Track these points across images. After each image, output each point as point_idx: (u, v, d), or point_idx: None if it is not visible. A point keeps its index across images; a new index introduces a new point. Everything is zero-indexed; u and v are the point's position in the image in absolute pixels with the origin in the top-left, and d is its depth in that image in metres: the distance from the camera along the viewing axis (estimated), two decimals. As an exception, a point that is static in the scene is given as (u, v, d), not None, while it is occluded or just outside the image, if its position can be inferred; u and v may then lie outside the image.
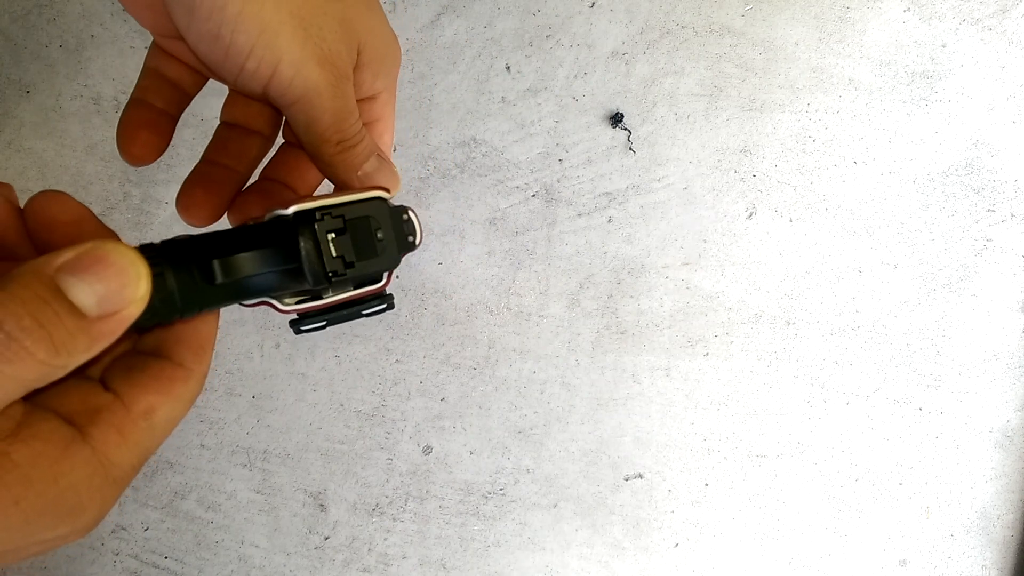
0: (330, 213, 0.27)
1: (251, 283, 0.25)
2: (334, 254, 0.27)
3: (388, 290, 0.32)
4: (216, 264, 0.24)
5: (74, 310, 0.18)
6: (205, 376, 0.25)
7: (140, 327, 0.22)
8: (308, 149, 0.30)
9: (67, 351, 0.18)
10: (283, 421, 0.71)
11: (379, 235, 0.29)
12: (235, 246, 0.25)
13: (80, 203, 0.24)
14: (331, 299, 0.29)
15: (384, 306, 0.32)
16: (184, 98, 0.32)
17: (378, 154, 0.32)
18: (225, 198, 0.32)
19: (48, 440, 0.20)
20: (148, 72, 0.31)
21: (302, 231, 0.26)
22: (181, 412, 0.24)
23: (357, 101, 0.32)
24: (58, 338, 0.18)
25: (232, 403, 0.71)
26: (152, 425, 0.23)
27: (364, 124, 0.33)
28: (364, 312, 0.32)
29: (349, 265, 0.27)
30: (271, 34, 0.26)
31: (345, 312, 0.30)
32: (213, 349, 0.26)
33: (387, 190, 0.31)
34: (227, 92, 0.33)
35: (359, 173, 0.31)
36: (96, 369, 0.25)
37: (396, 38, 0.33)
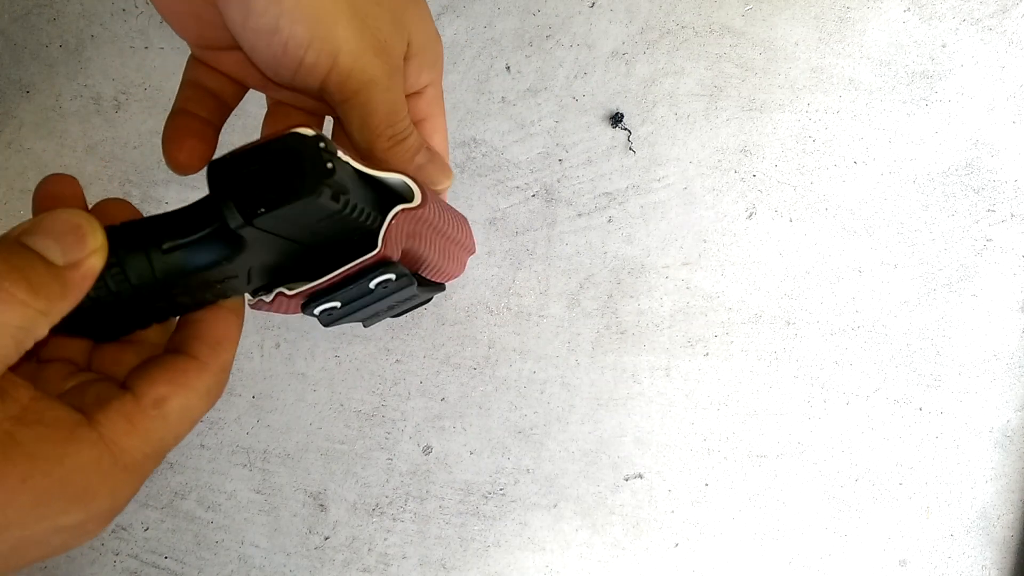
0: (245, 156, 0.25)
1: (197, 251, 0.24)
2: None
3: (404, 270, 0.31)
4: (163, 233, 0.24)
5: (43, 259, 0.20)
6: (224, 371, 0.25)
7: (105, 305, 0.23)
8: (360, 145, 0.30)
9: (44, 294, 0.20)
10: (283, 421, 0.71)
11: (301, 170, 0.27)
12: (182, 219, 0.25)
13: (73, 181, 0.25)
14: (332, 276, 0.28)
15: (412, 291, 0.31)
16: (225, 109, 0.32)
17: (427, 147, 0.32)
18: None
19: (53, 423, 0.21)
20: (188, 84, 0.31)
21: (213, 175, 0.25)
22: (197, 403, 0.24)
23: (405, 96, 0.32)
24: (34, 280, 0.20)
25: (232, 403, 0.71)
26: (164, 414, 0.23)
27: (413, 123, 0.32)
28: (388, 295, 0.30)
29: (268, 202, 0.24)
30: (329, 24, 0.25)
31: (354, 288, 0.29)
32: (233, 346, 0.26)
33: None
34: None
35: (411, 167, 0.31)
36: (118, 374, 0.25)
37: (438, 33, 0.32)
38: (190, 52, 0.32)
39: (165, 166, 0.69)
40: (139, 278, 0.24)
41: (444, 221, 0.34)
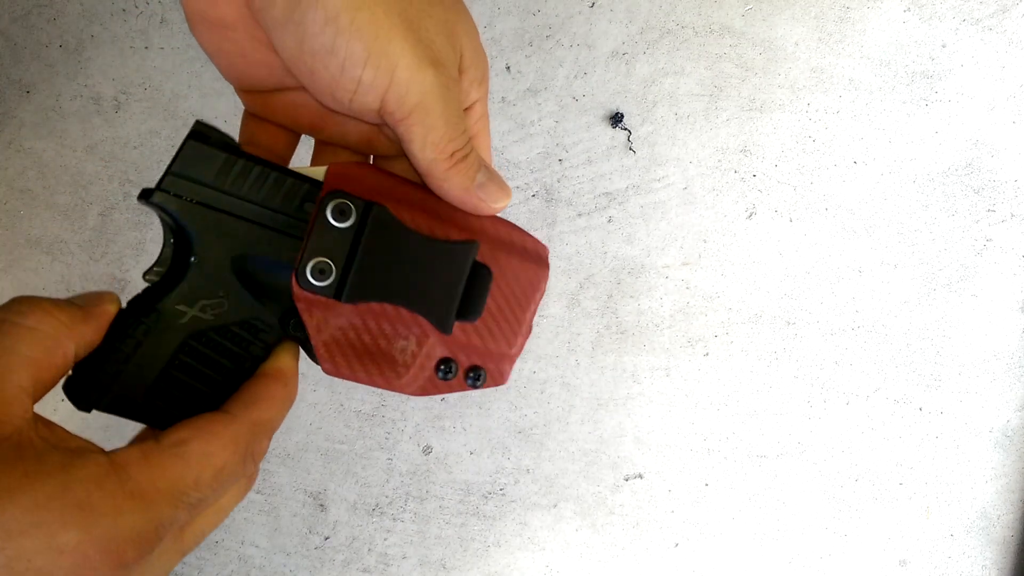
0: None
1: (171, 285, 0.28)
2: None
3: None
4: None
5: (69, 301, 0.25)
6: (257, 426, 0.27)
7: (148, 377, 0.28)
8: (422, 166, 0.29)
9: (68, 311, 0.24)
10: (283, 421, 0.71)
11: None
12: None
13: None
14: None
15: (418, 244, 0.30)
16: (280, 163, 0.32)
17: (486, 165, 0.31)
18: None
19: (68, 440, 0.23)
20: (243, 145, 0.31)
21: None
22: (220, 451, 0.25)
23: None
24: (60, 304, 0.24)
25: (232, 403, 0.71)
26: (181, 453, 0.24)
27: None
28: (390, 253, 0.29)
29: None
30: (385, 40, 0.25)
31: (327, 233, 0.28)
32: (270, 406, 0.28)
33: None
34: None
35: (473, 186, 0.30)
36: None
37: (484, 49, 0.32)
38: (243, 111, 0.32)
39: (165, 165, 0.69)
40: (160, 331, 0.27)
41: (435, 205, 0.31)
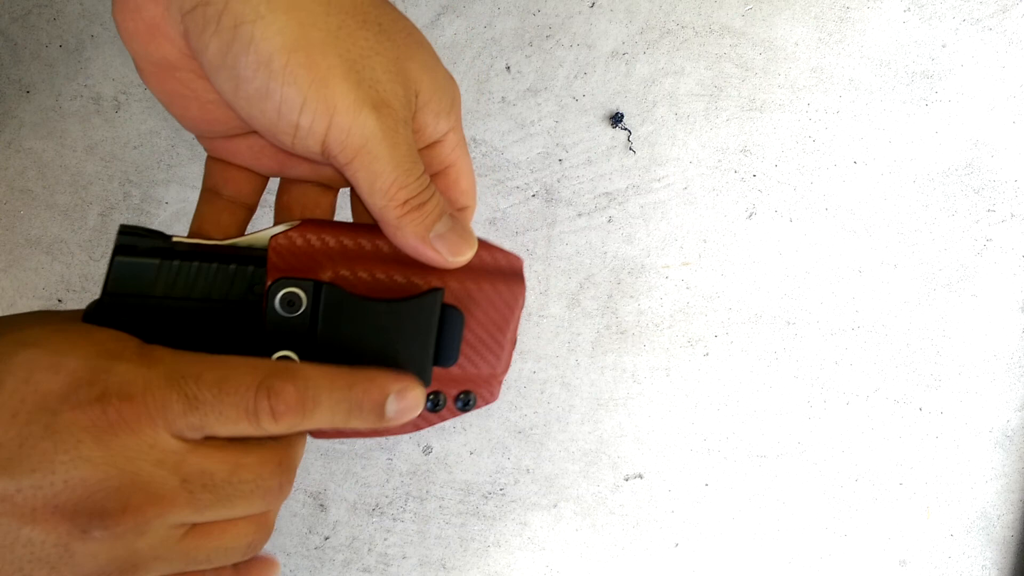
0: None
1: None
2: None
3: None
4: None
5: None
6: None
7: None
8: (375, 214, 0.28)
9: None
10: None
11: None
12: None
13: None
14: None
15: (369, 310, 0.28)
16: (248, 213, 0.32)
17: (450, 213, 0.29)
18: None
19: None
20: (206, 197, 0.31)
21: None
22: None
23: (424, 148, 0.30)
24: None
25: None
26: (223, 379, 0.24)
27: (436, 172, 0.31)
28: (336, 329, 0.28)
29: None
30: (321, 83, 0.24)
31: (272, 317, 0.27)
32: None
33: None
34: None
35: (429, 237, 0.28)
36: None
37: (452, 76, 0.31)
38: (206, 156, 0.31)
39: (165, 165, 0.69)
40: None
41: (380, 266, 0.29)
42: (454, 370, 0.32)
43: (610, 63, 0.69)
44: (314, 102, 0.24)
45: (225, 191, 0.31)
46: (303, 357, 0.27)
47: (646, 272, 0.70)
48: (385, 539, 0.71)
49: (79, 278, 0.69)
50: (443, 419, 0.32)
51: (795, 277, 0.71)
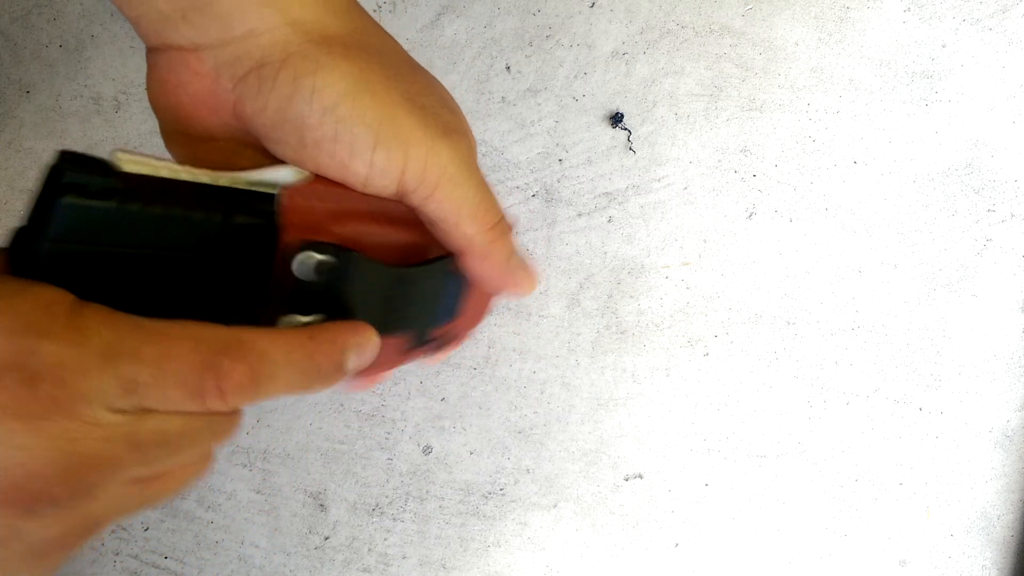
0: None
1: None
2: None
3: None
4: None
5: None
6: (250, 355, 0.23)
7: None
8: (460, 244, 0.27)
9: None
10: (283, 421, 0.71)
11: None
12: None
13: None
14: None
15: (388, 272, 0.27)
16: None
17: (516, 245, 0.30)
18: None
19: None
20: None
21: None
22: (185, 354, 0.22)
23: None
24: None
25: (232, 403, 0.71)
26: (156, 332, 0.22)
27: None
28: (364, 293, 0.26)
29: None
30: (391, 119, 0.24)
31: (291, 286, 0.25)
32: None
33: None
34: None
35: (508, 266, 0.28)
36: None
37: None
38: None
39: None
40: None
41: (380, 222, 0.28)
42: (442, 328, 0.32)
43: (610, 63, 0.69)
44: (387, 139, 0.24)
45: None
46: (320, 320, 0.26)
47: (646, 272, 0.70)
48: (385, 539, 0.71)
49: (79, 278, 0.70)
50: (408, 361, 0.31)
51: (795, 277, 0.71)
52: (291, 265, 0.24)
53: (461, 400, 0.71)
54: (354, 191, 0.26)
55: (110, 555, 0.71)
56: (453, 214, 0.26)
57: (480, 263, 0.28)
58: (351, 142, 0.24)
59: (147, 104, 0.69)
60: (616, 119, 0.69)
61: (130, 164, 0.22)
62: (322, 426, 0.71)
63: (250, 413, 0.71)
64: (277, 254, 0.24)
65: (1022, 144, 0.70)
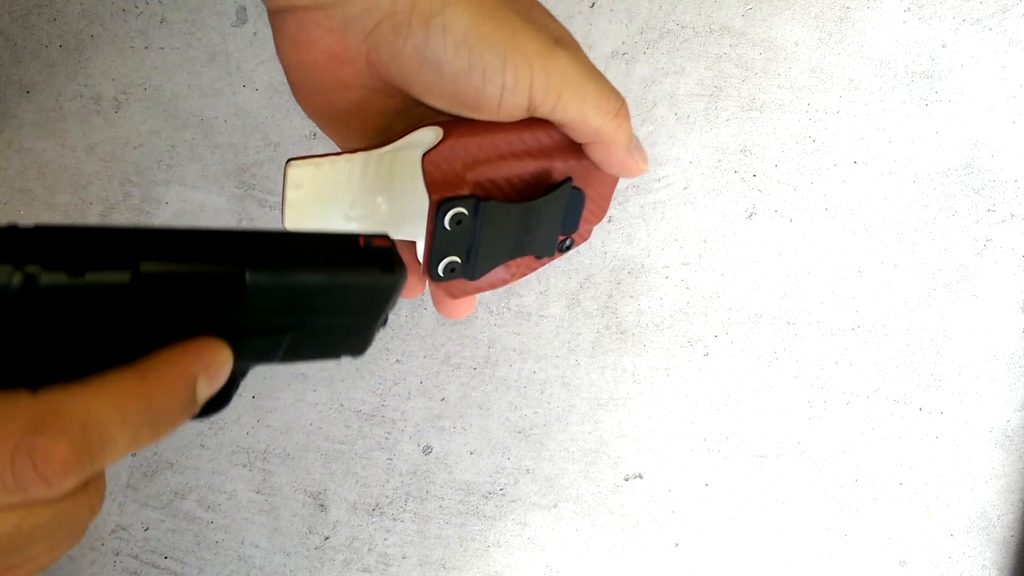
0: None
1: None
2: None
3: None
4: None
5: (194, 400, 0.21)
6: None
7: None
8: (591, 136, 0.30)
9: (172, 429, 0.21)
10: (283, 421, 0.71)
11: None
12: None
13: None
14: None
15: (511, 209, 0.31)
16: None
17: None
18: None
19: None
20: None
21: None
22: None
23: None
24: (178, 422, 0.21)
25: (232, 403, 0.71)
26: None
27: None
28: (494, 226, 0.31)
29: None
30: (512, 40, 0.27)
31: (441, 235, 0.30)
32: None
33: None
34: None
35: (631, 144, 0.31)
36: None
37: None
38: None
39: (165, 165, 0.69)
40: None
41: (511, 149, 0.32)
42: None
43: (610, 63, 0.69)
44: (514, 58, 0.27)
45: None
46: (465, 260, 0.31)
47: (646, 272, 0.70)
48: (385, 539, 0.71)
49: (79, 278, 0.70)
50: (550, 260, 0.36)
51: (795, 277, 0.71)
52: (443, 220, 0.29)
53: (461, 400, 0.71)
54: (482, 137, 0.30)
55: (110, 555, 0.71)
56: (580, 112, 0.29)
57: (608, 150, 0.30)
58: (483, 68, 0.27)
59: (147, 104, 0.69)
60: (616, 119, 0.69)
61: (299, 167, 0.29)
62: (322, 426, 0.71)
63: (250, 413, 0.71)
64: (430, 213, 0.29)
65: (1022, 144, 0.70)
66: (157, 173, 0.69)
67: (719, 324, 0.71)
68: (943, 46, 0.70)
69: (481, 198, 0.30)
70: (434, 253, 0.30)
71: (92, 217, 0.69)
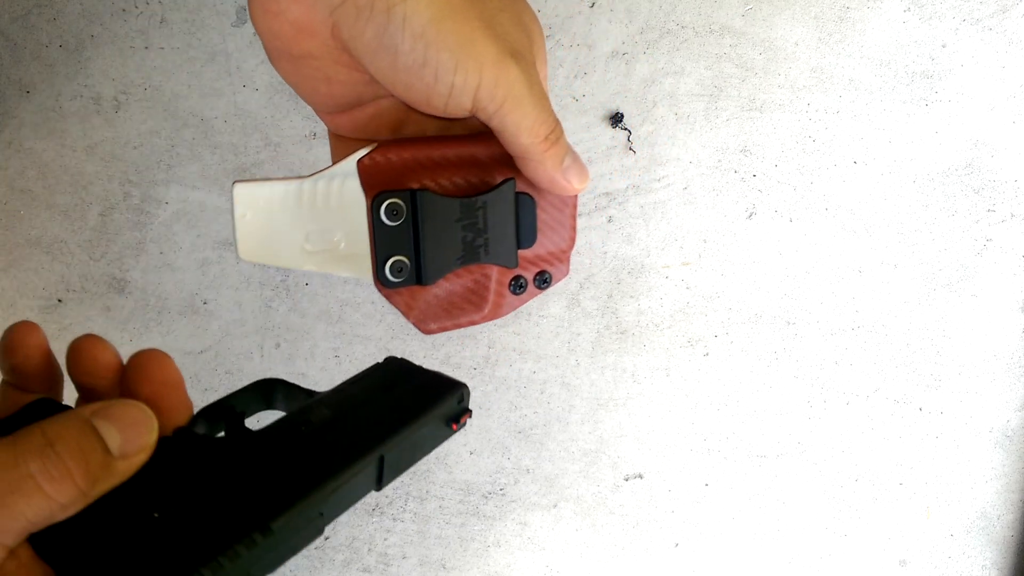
0: None
1: None
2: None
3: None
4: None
5: (104, 446, 0.22)
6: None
7: None
8: (518, 151, 0.31)
9: (94, 479, 0.21)
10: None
11: None
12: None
13: (177, 370, 0.28)
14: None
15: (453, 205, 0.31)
16: None
17: (571, 149, 0.34)
18: None
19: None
20: (338, 158, 0.33)
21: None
22: None
23: None
24: (92, 465, 0.21)
25: (232, 403, 0.71)
26: None
27: None
28: (430, 221, 0.31)
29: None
30: (469, 43, 0.28)
31: (378, 231, 0.30)
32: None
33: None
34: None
35: (561, 168, 0.32)
36: None
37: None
38: (328, 135, 0.34)
39: (165, 165, 0.69)
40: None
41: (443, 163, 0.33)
42: (529, 253, 0.35)
43: (610, 63, 0.69)
44: (466, 61, 0.28)
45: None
46: (412, 259, 0.31)
47: (646, 272, 0.70)
48: (385, 539, 0.71)
49: (79, 278, 0.69)
50: (527, 300, 0.36)
51: (795, 277, 0.71)
52: (379, 214, 0.29)
53: (461, 400, 0.71)
54: (419, 147, 0.31)
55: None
56: (514, 126, 0.30)
57: (535, 167, 0.32)
58: (436, 66, 0.27)
59: (147, 104, 0.69)
60: (616, 119, 0.69)
61: (244, 188, 0.29)
62: (322, 426, 0.71)
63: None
64: (368, 210, 0.30)
65: (1022, 144, 0.70)
66: (157, 173, 0.69)
67: (719, 324, 0.71)
68: (943, 46, 0.70)
69: (416, 190, 0.30)
70: (378, 251, 0.30)
71: (92, 217, 0.69)
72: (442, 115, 0.30)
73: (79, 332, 0.30)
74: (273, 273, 0.69)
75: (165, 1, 0.68)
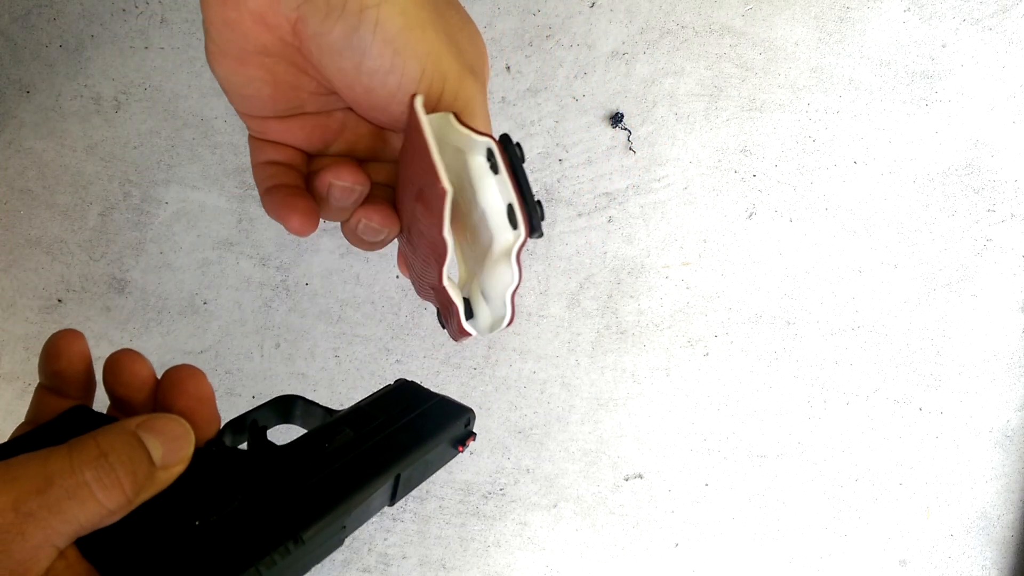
0: None
1: None
2: None
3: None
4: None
5: (150, 458, 0.24)
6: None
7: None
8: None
9: (140, 488, 0.23)
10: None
11: None
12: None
13: (210, 385, 0.29)
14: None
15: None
16: (302, 177, 0.34)
17: None
18: (314, 205, 0.33)
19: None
20: (263, 166, 0.33)
21: None
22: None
23: None
24: (139, 475, 0.23)
25: (232, 403, 0.71)
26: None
27: None
28: None
29: None
30: (436, 55, 0.28)
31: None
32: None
33: None
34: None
35: None
36: None
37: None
38: (249, 136, 0.33)
39: (165, 165, 0.69)
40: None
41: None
42: None
43: (610, 63, 0.69)
44: (431, 72, 0.28)
45: (277, 160, 0.33)
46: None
47: (646, 272, 0.70)
48: (385, 539, 0.71)
49: (79, 278, 0.69)
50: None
51: (795, 277, 0.71)
52: (513, 149, 0.30)
53: (461, 400, 0.71)
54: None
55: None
56: None
57: None
58: (402, 74, 0.27)
59: (147, 104, 0.69)
60: (616, 119, 0.69)
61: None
62: (322, 426, 0.71)
63: (250, 413, 0.71)
64: (501, 153, 0.30)
65: (1022, 144, 0.70)
66: (157, 173, 0.69)
67: (719, 324, 0.71)
68: (943, 46, 0.70)
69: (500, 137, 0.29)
70: (526, 194, 0.28)
71: (92, 217, 0.69)
72: (388, 122, 0.30)
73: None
74: (273, 273, 0.70)
75: (165, 1, 0.68)
